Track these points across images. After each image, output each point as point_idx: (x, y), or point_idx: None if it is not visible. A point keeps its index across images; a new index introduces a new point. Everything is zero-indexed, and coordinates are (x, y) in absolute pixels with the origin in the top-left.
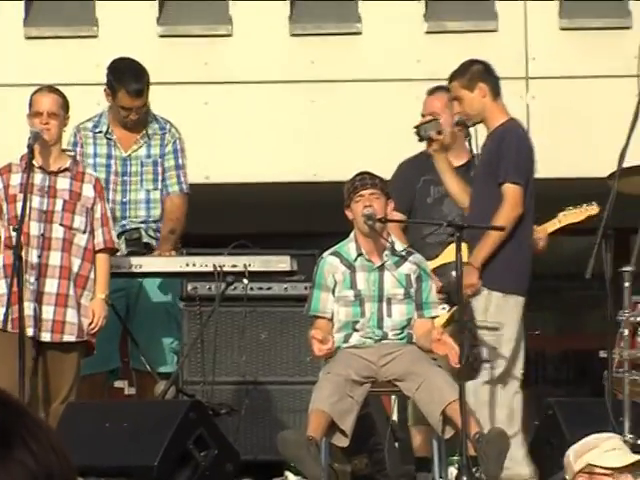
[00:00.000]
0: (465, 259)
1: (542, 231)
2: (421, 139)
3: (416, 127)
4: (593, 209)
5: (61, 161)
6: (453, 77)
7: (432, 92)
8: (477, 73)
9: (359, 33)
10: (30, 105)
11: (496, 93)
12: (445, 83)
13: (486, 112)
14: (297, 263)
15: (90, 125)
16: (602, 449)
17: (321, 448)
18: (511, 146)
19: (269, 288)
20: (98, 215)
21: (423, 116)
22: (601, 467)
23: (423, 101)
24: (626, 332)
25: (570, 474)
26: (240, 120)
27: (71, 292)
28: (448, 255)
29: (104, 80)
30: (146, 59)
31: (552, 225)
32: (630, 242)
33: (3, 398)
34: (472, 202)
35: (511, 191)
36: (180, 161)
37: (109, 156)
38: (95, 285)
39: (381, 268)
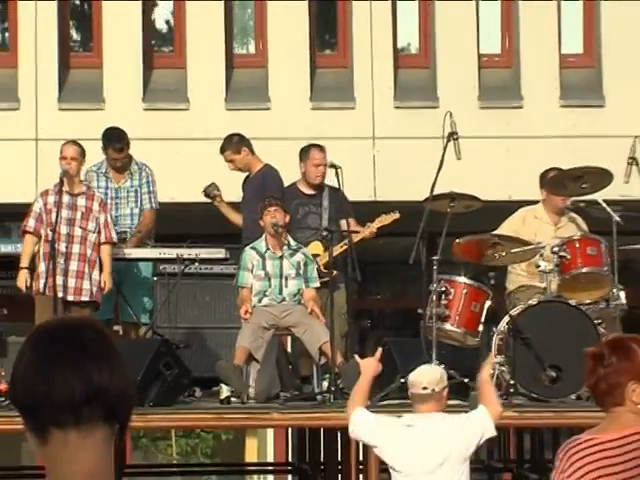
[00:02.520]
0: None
1: (374, 226)
2: (207, 196)
3: (203, 191)
4: (396, 215)
5: (80, 187)
6: (223, 148)
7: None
8: (240, 142)
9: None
10: (60, 152)
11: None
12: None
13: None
14: (229, 253)
15: (95, 168)
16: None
17: (243, 370)
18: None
19: (211, 268)
20: (102, 221)
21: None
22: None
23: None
24: (434, 297)
25: (410, 391)
26: (190, 166)
27: (86, 270)
28: (313, 248)
29: None
30: (135, 124)
31: (379, 223)
32: (437, 240)
33: (95, 325)
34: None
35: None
36: (151, 188)
37: (106, 187)
38: (103, 265)
39: (281, 257)
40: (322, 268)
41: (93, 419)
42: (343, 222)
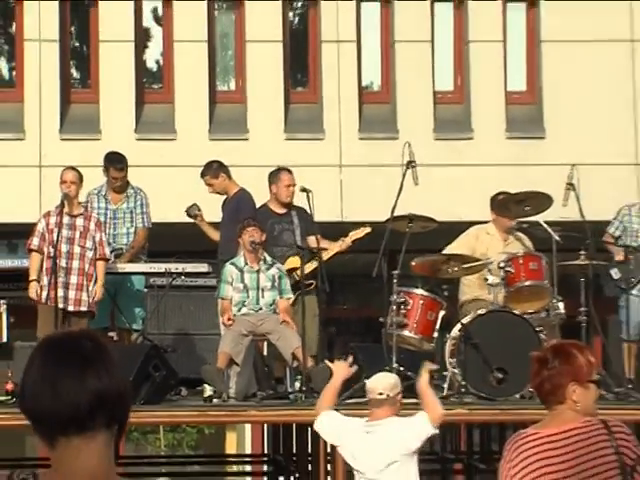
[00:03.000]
0: (295, 265)
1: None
2: (189, 216)
3: (185, 211)
4: (368, 229)
5: (78, 209)
6: (203, 173)
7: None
8: (219, 168)
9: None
10: (61, 177)
11: (230, 175)
12: None
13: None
14: (211, 267)
15: (95, 191)
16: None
17: (225, 373)
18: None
19: (195, 281)
20: (97, 240)
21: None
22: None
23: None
24: (394, 307)
25: (368, 396)
26: (177, 189)
27: (84, 283)
28: (290, 263)
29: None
30: (128, 152)
31: (354, 236)
32: (397, 257)
33: (93, 335)
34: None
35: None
36: (145, 209)
37: (106, 208)
38: (97, 279)
39: (258, 271)
40: (302, 279)
41: (96, 427)
42: (311, 239)
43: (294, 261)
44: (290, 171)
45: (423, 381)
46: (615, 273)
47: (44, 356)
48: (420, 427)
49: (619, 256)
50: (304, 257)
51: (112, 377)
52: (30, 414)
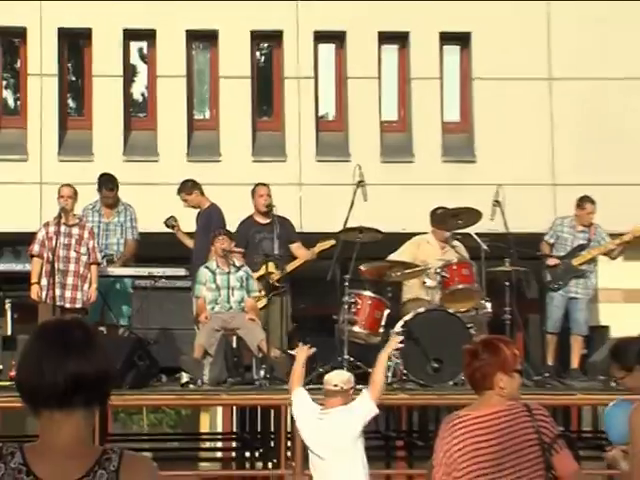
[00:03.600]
0: (271, 269)
1: (316, 249)
2: (167, 227)
3: (164, 222)
4: (332, 241)
5: (74, 220)
6: (179, 190)
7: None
8: (193, 186)
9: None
10: (58, 192)
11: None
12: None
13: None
14: (187, 271)
15: (90, 206)
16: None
17: (200, 363)
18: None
19: (175, 283)
20: (90, 246)
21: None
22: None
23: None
24: (346, 306)
25: (324, 387)
26: (159, 204)
27: (79, 283)
28: (270, 267)
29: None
30: (117, 172)
31: (319, 247)
32: (348, 263)
33: (83, 324)
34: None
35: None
36: (133, 223)
37: (99, 221)
38: (91, 280)
39: (228, 273)
40: (276, 283)
41: (74, 404)
42: (293, 245)
43: (271, 266)
44: (265, 185)
45: (385, 351)
46: (546, 275)
47: (37, 338)
48: (363, 407)
49: (552, 261)
50: (278, 263)
51: (92, 363)
52: (19, 387)
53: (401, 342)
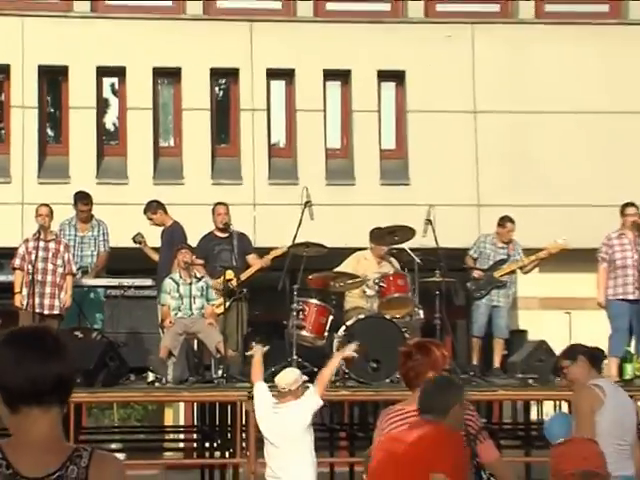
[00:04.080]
0: (230, 277)
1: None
2: (135, 242)
3: (132, 238)
4: (285, 248)
5: (51, 235)
6: (145, 210)
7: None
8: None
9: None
10: (36, 212)
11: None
12: None
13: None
14: (154, 281)
15: (67, 221)
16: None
17: (165, 363)
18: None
19: (142, 292)
20: (66, 259)
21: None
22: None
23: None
24: (294, 313)
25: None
26: (128, 222)
27: (56, 292)
28: (228, 275)
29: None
30: (91, 193)
31: (273, 254)
32: (297, 274)
33: (53, 332)
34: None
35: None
36: (106, 237)
37: (75, 235)
38: (66, 289)
39: (190, 283)
40: (235, 288)
41: (52, 401)
42: (248, 257)
43: (229, 274)
44: (224, 204)
45: (338, 356)
46: (471, 285)
47: (13, 342)
48: (310, 401)
49: (476, 273)
50: (236, 272)
51: (67, 365)
52: (8, 382)
53: (355, 351)
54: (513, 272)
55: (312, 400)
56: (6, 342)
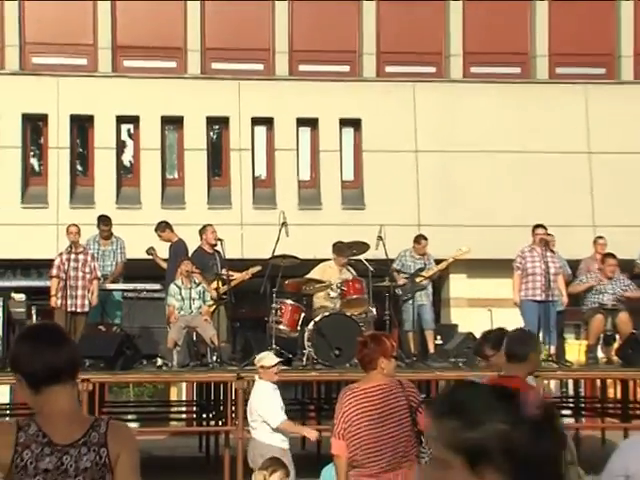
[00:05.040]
0: (216, 285)
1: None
2: (148, 254)
3: (146, 251)
4: (258, 267)
5: (80, 248)
6: (155, 229)
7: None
8: (166, 226)
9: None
10: (67, 230)
11: (172, 230)
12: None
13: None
14: (162, 286)
15: (92, 238)
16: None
17: (171, 351)
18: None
19: (153, 295)
20: (92, 267)
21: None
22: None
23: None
24: (274, 311)
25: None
26: (143, 239)
27: (85, 294)
28: (216, 283)
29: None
30: (112, 216)
31: (251, 270)
32: (276, 280)
33: (59, 326)
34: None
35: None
36: (123, 250)
37: (98, 249)
38: (93, 291)
39: (190, 288)
40: (221, 294)
41: (68, 379)
42: (223, 271)
43: (216, 282)
44: (211, 226)
45: (304, 430)
46: (399, 291)
47: (28, 337)
48: (266, 412)
49: (401, 281)
50: (223, 280)
51: (74, 350)
52: (22, 372)
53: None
54: (430, 277)
55: (270, 416)
56: (23, 337)
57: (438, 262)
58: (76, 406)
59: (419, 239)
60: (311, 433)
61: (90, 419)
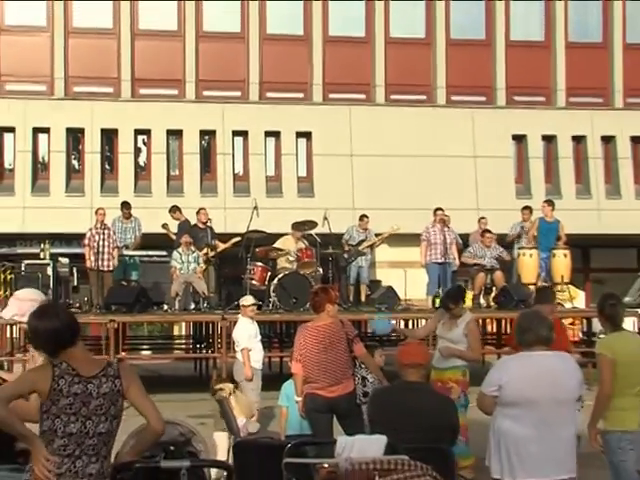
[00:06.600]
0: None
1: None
2: (163, 228)
3: (162, 226)
4: (238, 238)
5: (105, 226)
6: (169, 211)
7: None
8: (174, 209)
9: None
10: (96, 212)
11: (180, 212)
12: None
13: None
14: (168, 253)
15: (117, 218)
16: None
17: (174, 299)
18: None
19: (161, 259)
20: (113, 239)
21: None
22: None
23: None
24: (249, 271)
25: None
26: (158, 218)
27: (110, 257)
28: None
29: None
30: (132, 202)
31: (233, 240)
32: (250, 249)
33: (57, 304)
34: (175, 240)
35: None
36: (139, 227)
37: (121, 226)
38: (114, 255)
39: (188, 254)
40: (210, 258)
41: (74, 340)
42: (213, 241)
43: (207, 250)
44: (204, 208)
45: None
46: (347, 256)
47: (38, 315)
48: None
49: (347, 249)
50: (212, 247)
51: (74, 319)
52: (39, 344)
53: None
54: (370, 246)
55: (237, 343)
56: (34, 316)
57: (377, 235)
58: (90, 356)
59: (363, 217)
60: (247, 373)
61: (103, 360)
